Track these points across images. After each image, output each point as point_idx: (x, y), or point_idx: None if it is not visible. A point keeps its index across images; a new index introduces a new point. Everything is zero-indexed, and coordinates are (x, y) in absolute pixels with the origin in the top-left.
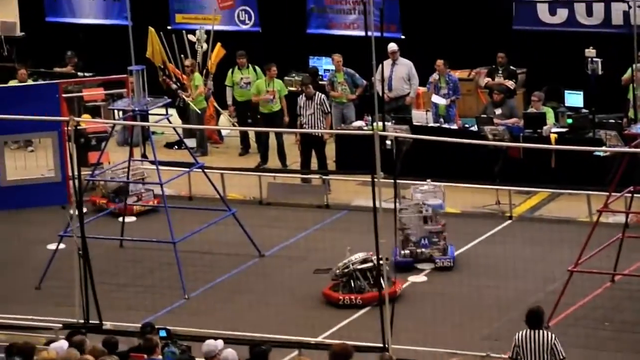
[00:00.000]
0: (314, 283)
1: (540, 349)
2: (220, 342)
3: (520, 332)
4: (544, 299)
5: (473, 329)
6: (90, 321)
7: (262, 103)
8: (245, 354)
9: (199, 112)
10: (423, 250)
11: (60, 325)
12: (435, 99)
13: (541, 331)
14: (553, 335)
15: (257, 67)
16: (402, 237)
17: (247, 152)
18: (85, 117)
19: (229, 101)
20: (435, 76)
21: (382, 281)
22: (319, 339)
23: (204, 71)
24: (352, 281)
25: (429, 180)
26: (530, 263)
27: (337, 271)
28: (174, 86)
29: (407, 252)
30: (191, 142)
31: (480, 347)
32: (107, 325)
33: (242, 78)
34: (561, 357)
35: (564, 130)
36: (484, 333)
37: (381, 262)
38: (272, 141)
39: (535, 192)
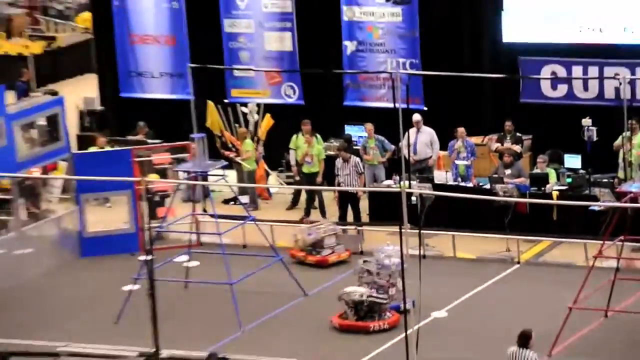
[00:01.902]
0: None
1: None
2: None
3: (511, 348)
4: (547, 332)
5: (487, 357)
6: (150, 350)
7: (305, 164)
8: None
9: (249, 168)
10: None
11: (136, 353)
12: (458, 161)
13: (526, 350)
14: (535, 356)
15: (318, 135)
16: (359, 283)
17: (294, 207)
18: (154, 177)
19: (292, 162)
20: (459, 143)
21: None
22: None
23: (255, 138)
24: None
25: (390, 243)
26: (536, 301)
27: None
28: (231, 155)
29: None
30: (245, 199)
31: None
32: (164, 353)
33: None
34: None
35: (564, 188)
36: None
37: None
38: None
39: (540, 241)
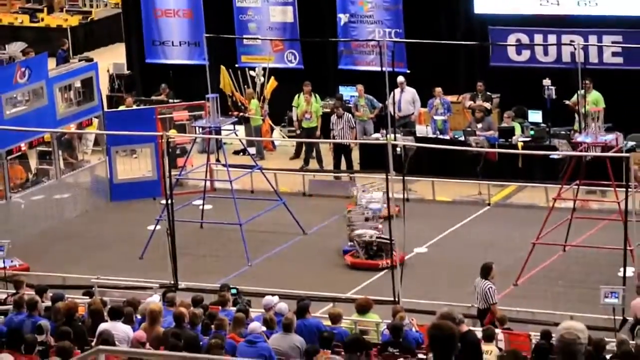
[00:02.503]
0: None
1: (479, 292)
2: (275, 298)
3: (477, 278)
4: (513, 264)
5: (461, 287)
6: (170, 282)
7: (304, 120)
8: (293, 307)
9: (259, 118)
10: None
11: (157, 285)
12: (436, 117)
13: (484, 281)
14: (488, 285)
15: (316, 95)
16: (349, 230)
17: (296, 157)
18: (174, 132)
19: (294, 118)
20: (437, 101)
21: (393, 252)
22: (348, 294)
23: (262, 97)
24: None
25: (372, 188)
26: (504, 238)
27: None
28: (240, 114)
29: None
30: (252, 150)
31: (467, 300)
32: (182, 285)
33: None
34: (492, 302)
35: (528, 139)
36: (469, 290)
37: (393, 239)
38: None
39: (507, 185)
